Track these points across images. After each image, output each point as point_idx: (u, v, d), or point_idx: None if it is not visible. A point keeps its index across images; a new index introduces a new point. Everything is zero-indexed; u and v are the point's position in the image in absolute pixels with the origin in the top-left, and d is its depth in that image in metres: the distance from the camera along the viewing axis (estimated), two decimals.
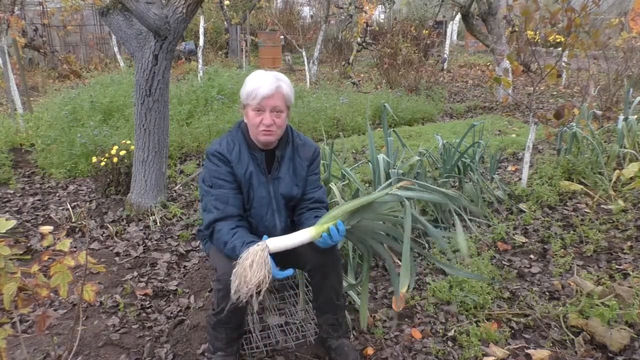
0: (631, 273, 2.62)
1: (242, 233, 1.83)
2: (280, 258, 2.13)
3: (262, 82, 1.83)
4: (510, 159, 4.82)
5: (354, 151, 5.06)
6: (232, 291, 1.58)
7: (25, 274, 1.53)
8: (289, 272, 1.66)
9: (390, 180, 2.10)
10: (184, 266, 2.84)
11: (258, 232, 1.98)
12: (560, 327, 2.26)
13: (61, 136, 4.49)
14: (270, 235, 1.99)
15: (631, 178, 3.78)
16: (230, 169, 1.91)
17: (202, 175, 1.98)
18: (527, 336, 2.23)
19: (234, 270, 1.60)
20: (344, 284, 2.18)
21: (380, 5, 13.73)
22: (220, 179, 1.90)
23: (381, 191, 1.80)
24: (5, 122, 5.30)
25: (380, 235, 1.92)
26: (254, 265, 1.55)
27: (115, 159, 3.66)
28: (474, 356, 2.07)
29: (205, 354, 2.08)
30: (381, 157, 2.99)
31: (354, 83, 9.09)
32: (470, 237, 3.05)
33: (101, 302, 2.46)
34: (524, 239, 3.11)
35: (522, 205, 3.56)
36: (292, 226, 2.06)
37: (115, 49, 10.51)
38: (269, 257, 1.60)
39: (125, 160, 3.68)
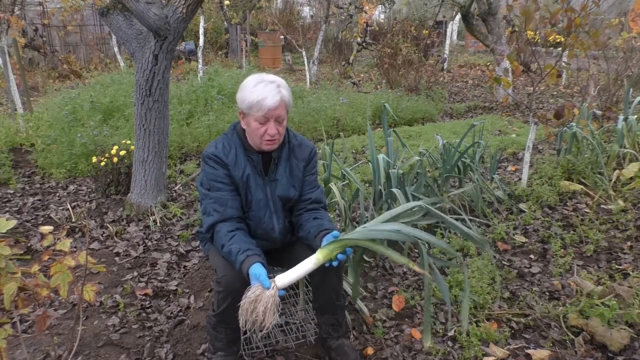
0: (631, 273, 2.61)
1: (239, 237, 1.82)
2: (280, 260, 2.14)
3: (267, 93, 1.78)
4: (510, 159, 4.82)
5: (354, 151, 5.06)
6: (246, 326, 1.60)
7: (26, 274, 1.53)
8: (281, 292, 1.66)
9: (399, 211, 1.86)
10: (184, 266, 2.84)
11: (257, 234, 1.98)
12: (560, 327, 2.26)
13: (61, 136, 4.49)
14: (269, 236, 2.00)
15: (631, 178, 3.78)
16: (227, 171, 1.91)
17: (199, 178, 1.98)
18: (527, 336, 2.23)
19: (243, 306, 1.60)
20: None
21: (380, 5, 13.72)
22: (218, 182, 1.90)
23: (391, 227, 1.75)
24: (6, 122, 5.30)
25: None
26: (267, 312, 1.57)
27: (115, 159, 3.66)
28: (474, 356, 2.07)
29: (206, 354, 2.08)
30: (381, 157, 2.99)
31: (354, 83, 9.09)
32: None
33: (101, 302, 2.46)
34: (524, 239, 3.11)
35: (522, 205, 3.56)
36: (291, 227, 2.06)
37: (115, 49, 10.50)
38: (278, 297, 1.61)
39: (125, 160, 3.68)
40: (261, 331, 1.58)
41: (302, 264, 1.67)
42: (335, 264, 1.71)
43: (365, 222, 1.81)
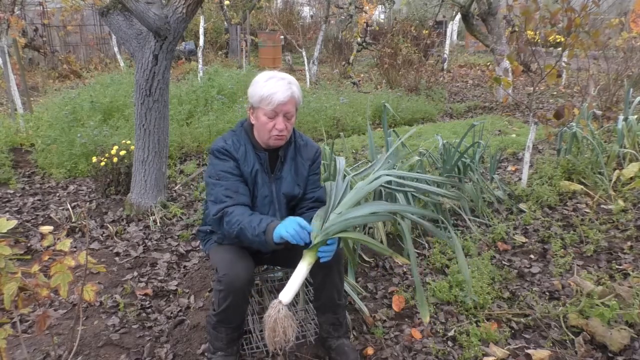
0: (631, 273, 2.62)
1: (258, 215, 1.83)
2: (280, 259, 2.14)
3: (278, 88, 1.82)
4: (510, 159, 4.82)
5: (354, 151, 5.06)
6: (276, 348, 1.67)
7: (26, 274, 1.53)
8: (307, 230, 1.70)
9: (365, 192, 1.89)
10: (184, 266, 2.84)
11: None
12: (560, 327, 2.26)
13: (61, 136, 4.49)
14: None
15: (631, 178, 3.78)
16: (237, 164, 1.92)
17: (207, 172, 1.98)
18: (527, 336, 2.23)
19: (267, 337, 1.66)
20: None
21: (380, 5, 13.72)
22: (228, 172, 1.90)
23: (361, 210, 1.78)
24: (6, 122, 5.30)
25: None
26: (287, 330, 1.63)
27: (115, 159, 3.65)
28: (474, 356, 2.07)
29: (206, 354, 2.08)
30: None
31: (354, 83, 9.09)
32: (470, 237, 3.05)
33: (101, 302, 2.46)
34: (524, 239, 3.11)
35: (522, 205, 3.56)
36: None
37: (115, 49, 10.50)
38: (288, 310, 1.65)
39: (125, 160, 3.68)
40: (287, 344, 1.65)
41: (297, 272, 1.70)
42: (323, 260, 1.74)
43: (335, 205, 1.81)
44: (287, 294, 1.66)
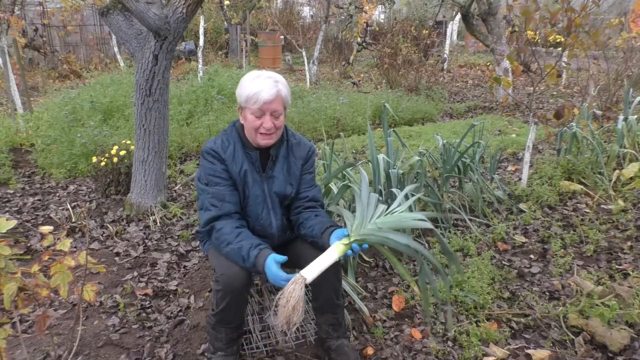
0: (631, 273, 2.62)
1: (247, 234, 1.83)
2: None
3: (263, 87, 1.83)
4: (510, 159, 4.82)
5: (354, 151, 5.06)
6: (281, 326, 1.62)
7: (26, 274, 1.53)
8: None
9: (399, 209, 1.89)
10: (184, 266, 2.84)
11: (255, 231, 1.98)
12: (560, 327, 2.26)
13: (61, 136, 4.49)
14: (266, 232, 2.00)
15: (631, 178, 3.78)
16: (225, 167, 1.92)
17: (197, 174, 1.99)
18: (527, 336, 2.23)
19: (286, 307, 1.60)
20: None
21: (380, 5, 13.71)
22: (216, 177, 1.91)
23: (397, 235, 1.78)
24: (5, 122, 5.30)
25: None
26: (301, 310, 1.59)
27: (115, 159, 3.66)
28: (474, 356, 2.07)
29: (205, 354, 2.08)
30: (381, 157, 2.98)
31: (354, 83, 9.09)
32: (470, 237, 3.05)
33: (101, 302, 2.46)
34: (524, 239, 3.11)
35: (522, 205, 3.56)
36: (289, 225, 2.07)
37: (115, 49, 10.50)
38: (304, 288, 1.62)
39: (125, 160, 3.68)
40: (297, 319, 1.61)
41: (326, 256, 1.66)
42: (350, 252, 1.72)
43: (370, 216, 1.80)
44: (311, 273, 1.62)
